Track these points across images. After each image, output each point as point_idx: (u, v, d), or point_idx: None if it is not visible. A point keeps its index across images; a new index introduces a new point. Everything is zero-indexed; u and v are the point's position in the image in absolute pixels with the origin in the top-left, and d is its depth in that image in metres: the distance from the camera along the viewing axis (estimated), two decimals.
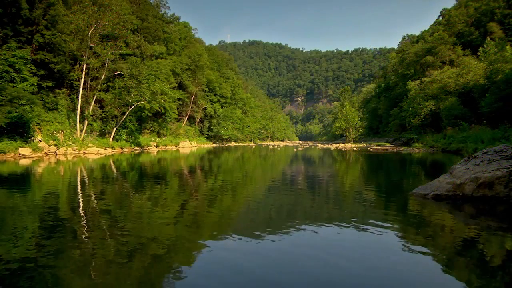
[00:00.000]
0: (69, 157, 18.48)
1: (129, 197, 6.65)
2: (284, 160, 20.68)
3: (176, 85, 43.74)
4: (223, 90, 62.10)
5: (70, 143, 22.62)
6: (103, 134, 28.62)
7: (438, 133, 33.54)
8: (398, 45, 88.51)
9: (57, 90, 25.43)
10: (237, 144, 61.30)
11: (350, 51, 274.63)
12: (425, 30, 69.03)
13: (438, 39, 48.07)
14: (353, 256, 3.36)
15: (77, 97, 25.04)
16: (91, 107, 26.76)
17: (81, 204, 5.77)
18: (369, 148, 36.78)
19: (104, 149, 24.43)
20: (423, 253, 3.37)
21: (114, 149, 26.28)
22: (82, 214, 4.99)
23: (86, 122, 25.51)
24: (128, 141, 30.18)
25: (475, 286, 2.74)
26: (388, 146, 41.30)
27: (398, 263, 3.20)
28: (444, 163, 15.39)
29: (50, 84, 24.18)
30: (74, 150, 21.82)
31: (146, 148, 32.06)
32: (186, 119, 51.13)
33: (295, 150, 35.50)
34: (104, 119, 29.66)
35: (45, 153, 19.59)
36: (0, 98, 17.77)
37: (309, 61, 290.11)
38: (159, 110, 36.36)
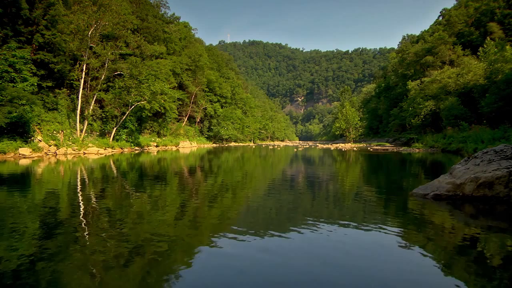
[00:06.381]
0: (69, 157, 18.48)
1: (129, 197, 6.65)
2: (284, 160, 20.67)
3: (176, 85, 43.75)
4: (223, 90, 62.11)
5: (70, 143, 22.62)
6: (103, 134, 28.62)
7: (438, 133, 33.54)
8: (398, 45, 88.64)
9: (57, 90, 25.44)
10: (237, 144, 61.28)
11: (350, 51, 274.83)
12: (425, 30, 69.10)
13: (438, 39, 48.09)
14: (352, 256, 3.36)
15: (77, 97, 25.04)
16: (91, 107, 26.77)
17: (81, 204, 5.77)
18: (369, 148, 36.77)
19: (104, 149, 24.43)
20: (423, 253, 3.37)
21: (114, 149, 26.27)
22: (82, 214, 4.99)
23: (86, 122, 25.51)
24: (128, 141, 30.16)
25: (475, 286, 2.73)
26: (388, 146, 41.30)
27: (398, 263, 3.20)
28: (444, 163, 15.39)
29: (50, 84, 24.18)
30: (74, 150, 21.82)
31: (146, 148, 32.05)
32: (186, 119, 51.14)
33: (295, 150, 35.49)
34: (104, 119, 29.66)
35: (45, 153, 19.59)
36: (0, 98, 17.77)
37: (309, 61, 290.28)
38: (159, 110, 36.36)
